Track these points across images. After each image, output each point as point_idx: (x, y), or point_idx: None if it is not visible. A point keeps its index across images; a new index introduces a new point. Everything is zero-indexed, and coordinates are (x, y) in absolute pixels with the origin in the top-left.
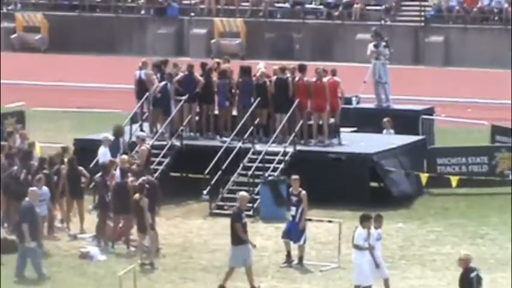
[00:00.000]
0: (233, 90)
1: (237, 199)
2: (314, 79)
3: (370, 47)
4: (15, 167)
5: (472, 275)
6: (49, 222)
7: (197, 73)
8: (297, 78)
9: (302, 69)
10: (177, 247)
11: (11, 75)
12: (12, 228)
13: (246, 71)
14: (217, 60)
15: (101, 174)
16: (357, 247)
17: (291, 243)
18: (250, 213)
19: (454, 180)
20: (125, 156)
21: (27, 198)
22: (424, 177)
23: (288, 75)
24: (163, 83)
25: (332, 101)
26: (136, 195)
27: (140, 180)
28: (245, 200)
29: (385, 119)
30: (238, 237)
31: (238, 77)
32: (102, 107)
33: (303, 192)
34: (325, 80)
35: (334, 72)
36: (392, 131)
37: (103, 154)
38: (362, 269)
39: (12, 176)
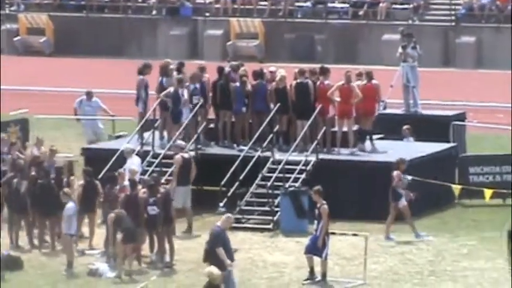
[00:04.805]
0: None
1: None
2: (342, 82)
3: (399, 48)
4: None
5: None
6: (52, 236)
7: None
8: (318, 82)
9: (324, 72)
10: (192, 263)
11: (14, 81)
12: (204, 255)
13: (259, 75)
14: (235, 63)
15: (110, 186)
16: None
17: (315, 258)
18: (270, 226)
19: (487, 193)
20: (134, 167)
21: (219, 223)
22: (456, 189)
23: (311, 78)
24: (172, 88)
25: (368, 106)
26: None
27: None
28: None
29: (404, 127)
30: None
31: (253, 81)
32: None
33: (324, 206)
34: (354, 84)
35: (371, 76)
36: (412, 138)
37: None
38: None
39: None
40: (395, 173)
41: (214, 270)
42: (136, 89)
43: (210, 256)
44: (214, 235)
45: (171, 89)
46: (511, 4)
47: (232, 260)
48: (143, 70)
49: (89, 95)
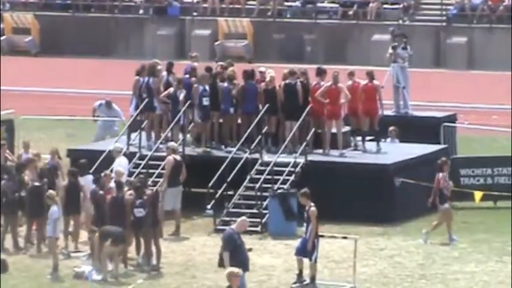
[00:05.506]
0: (238, 97)
1: None
2: (330, 83)
3: (390, 49)
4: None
5: None
6: (38, 238)
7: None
8: (314, 83)
9: (320, 73)
10: (179, 266)
11: None
12: (219, 260)
13: (250, 76)
14: (221, 63)
15: (96, 188)
16: None
17: (305, 261)
18: (258, 229)
19: (477, 195)
20: (120, 169)
21: (233, 226)
22: None
23: (300, 79)
24: (171, 89)
25: (370, 106)
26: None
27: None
28: None
29: (390, 128)
30: None
31: (243, 82)
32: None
33: (312, 208)
34: (340, 84)
35: (372, 75)
36: (397, 140)
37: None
38: None
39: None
40: (440, 175)
41: (233, 269)
42: (133, 89)
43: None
44: (225, 238)
45: (171, 90)
46: (511, 6)
47: (247, 266)
48: (141, 71)
49: (108, 104)
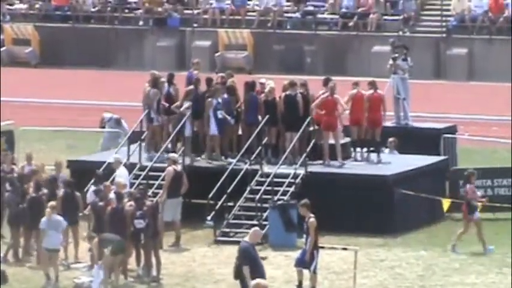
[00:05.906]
0: (238, 108)
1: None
2: (327, 94)
3: (390, 60)
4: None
5: None
6: (37, 250)
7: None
8: (321, 92)
9: (327, 83)
10: (179, 277)
11: None
12: (235, 271)
13: (252, 87)
14: (221, 74)
15: (96, 199)
16: None
17: (305, 272)
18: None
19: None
20: (121, 180)
21: (246, 238)
22: (446, 202)
23: (300, 90)
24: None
25: (375, 116)
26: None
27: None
28: None
29: (390, 139)
30: None
31: (244, 93)
32: (97, 125)
33: (311, 219)
34: (336, 95)
35: (375, 85)
36: (396, 151)
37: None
38: None
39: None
40: (468, 186)
41: (261, 281)
42: (143, 101)
43: (241, 272)
44: (242, 251)
45: (178, 103)
46: (510, 17)
47: (263, 276)
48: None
49: (118, 121)
